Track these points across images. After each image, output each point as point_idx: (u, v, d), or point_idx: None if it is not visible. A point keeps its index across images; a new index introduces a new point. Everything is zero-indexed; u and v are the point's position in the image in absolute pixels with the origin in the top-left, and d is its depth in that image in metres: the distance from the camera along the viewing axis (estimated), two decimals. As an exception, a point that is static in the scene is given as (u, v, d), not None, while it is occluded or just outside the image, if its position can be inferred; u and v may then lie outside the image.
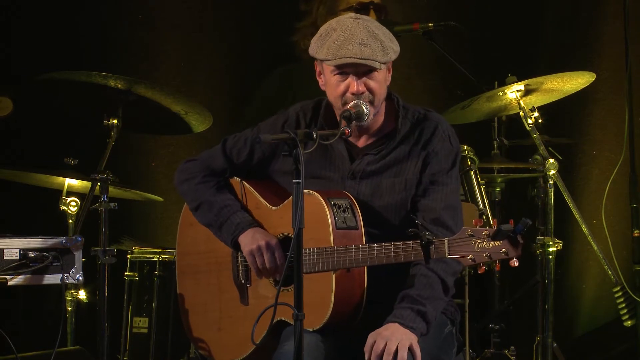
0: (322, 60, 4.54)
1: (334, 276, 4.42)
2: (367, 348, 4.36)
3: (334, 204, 4.47)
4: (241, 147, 4.77)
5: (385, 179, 4.59)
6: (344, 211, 4.48)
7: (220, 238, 4.73)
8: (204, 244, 4.81)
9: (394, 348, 4.32)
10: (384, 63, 4.49)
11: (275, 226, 4.66)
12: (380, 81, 4.53)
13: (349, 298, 4.44)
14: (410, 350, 4.34)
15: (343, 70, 4.50)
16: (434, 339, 4.50)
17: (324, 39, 4.51)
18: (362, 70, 4.49)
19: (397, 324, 4.38)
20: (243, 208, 4.73)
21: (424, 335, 4.42)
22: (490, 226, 4.14)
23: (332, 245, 4.42)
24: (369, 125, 4.59)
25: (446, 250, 4.19)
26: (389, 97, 4.65)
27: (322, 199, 4.46)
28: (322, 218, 4.45)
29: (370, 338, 4.37)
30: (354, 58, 4.45)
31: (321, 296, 4.42)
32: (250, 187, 4.75)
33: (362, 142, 4.65)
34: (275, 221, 4.64)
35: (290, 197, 4.34)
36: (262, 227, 4.67)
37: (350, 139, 4.63)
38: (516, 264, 4.09)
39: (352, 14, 4.57)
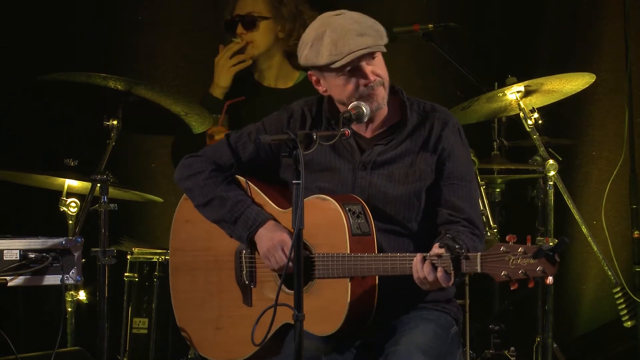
0: (325, 65, 4.48)
1: (349, 283, 4.39)
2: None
3: (349, 210, 4.43)
4: (246, 141, 4.70)
5: (397, 169, 4.55)
6: (357, 217, 4.43)
7: (232, 233, 4.63)
8: (202, 241, 4.75)
9: None
10: (384, 45, 4.49)
11: None
12: (382, 63, 4.52)
13: (361, 305, 4.41)
14: None
15: (348, 67, 4.47)
16: (442, 340, 4.47)
17: (317, 45, 4.46)
18: (365, 61, 4.46)
19: None
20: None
21: None
22: (510, 240, 4.11)
23: (349, 251, 4.39)
24: (375, 116, 4.56)
25: (478, 266, 4.17)
26: (392, 90, 4.62)
27: (337, 205, 4.43)
28: (338, 224, 4.41)
29: None
30: (361, 49, 4.42)
31: (335, 302, 4.39)
32: (257, 188, 4.68)
33: (369, 133, 4.62)
34: (284, 224, 4.58)
35: None
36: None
37: (356, 129, 4.60)
38: (551, 281, 4.07)
39: (332, 12, 4.50)
